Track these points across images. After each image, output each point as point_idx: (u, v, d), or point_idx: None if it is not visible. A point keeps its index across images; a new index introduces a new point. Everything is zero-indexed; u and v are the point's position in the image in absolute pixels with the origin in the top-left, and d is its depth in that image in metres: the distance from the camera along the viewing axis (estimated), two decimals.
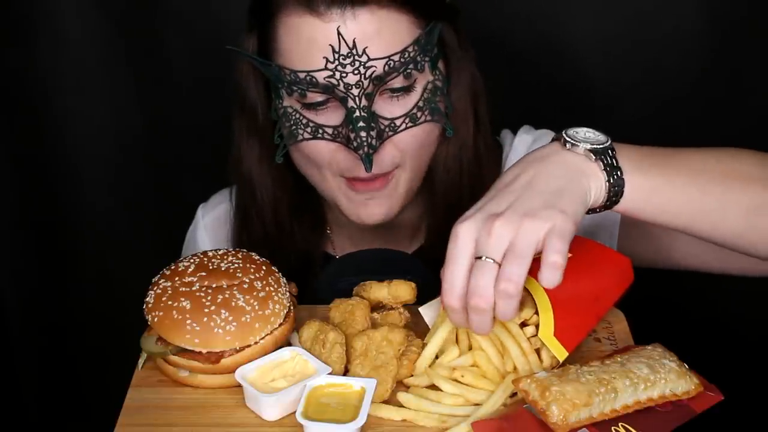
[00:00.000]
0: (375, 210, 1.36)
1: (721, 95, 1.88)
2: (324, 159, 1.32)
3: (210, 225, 1.60)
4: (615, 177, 1.04)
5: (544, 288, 1.09)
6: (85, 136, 2.03)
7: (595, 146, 1.05)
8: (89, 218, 2.10)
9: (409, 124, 1.30)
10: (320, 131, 1.30)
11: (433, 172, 1.40)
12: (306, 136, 1.31)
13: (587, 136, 1.07)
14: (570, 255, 1.16)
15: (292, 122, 1.31)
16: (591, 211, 1.07)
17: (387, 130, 1.29)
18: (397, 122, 1.29)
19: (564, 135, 1.07)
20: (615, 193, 1.05)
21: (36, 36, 1.93)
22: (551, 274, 0.97)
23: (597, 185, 1.04)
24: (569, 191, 1.01)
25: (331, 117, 1.30)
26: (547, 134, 1.50)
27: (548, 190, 1.01)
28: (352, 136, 1.26)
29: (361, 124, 1.26)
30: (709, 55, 1.86)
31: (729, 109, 1.88)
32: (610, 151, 1.05)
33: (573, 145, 1.05)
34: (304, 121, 1.30)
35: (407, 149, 1.32)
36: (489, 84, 1.42)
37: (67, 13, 1.92)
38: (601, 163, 1.04)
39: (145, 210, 2.10)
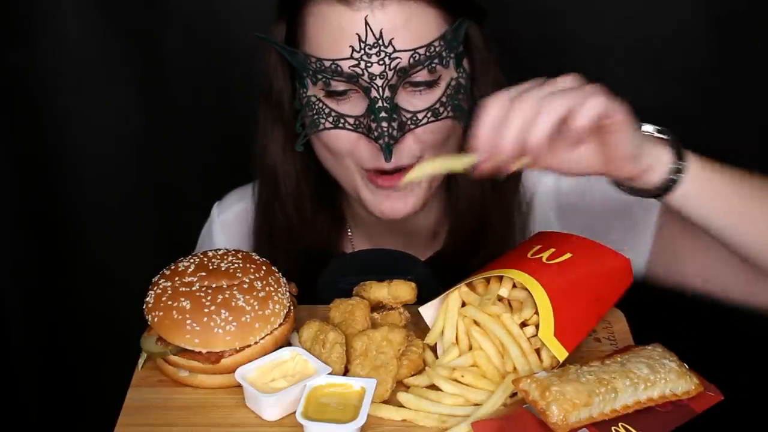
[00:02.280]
0: (397, 204, 1.34)
1: (721, 95, 1.88)
2: (344, 149, 1.32)
3: (227, 224, 1.60)
4: (679, 156, 1.10)
5: (544, 288, 1.09)
6: (85, 136, 2.03)
7: (661, 131, 1.13)
8: (89, 218, 2.10)
9: (431, 119, 1.29)
10: (342, 121, 1.30)
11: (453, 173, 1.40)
12: (327, 125, 1.31)
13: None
14: (570, 255, 1.16)
15: (314, 111, 1.31)
16: (644, 193, 1.13)
17: (409, 122, 1.29)
18: (419, 116, 1.29)
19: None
20: (675, 171, 1.10)
21: (36, 36, 1.93)
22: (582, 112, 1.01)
23: (660, 158, 1.10)
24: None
25: (353, 107, 1.30)
26: None
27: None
28: (374, 126, 1.26)
29: (383, 114, 1.26)
30: (709, 55, 1.86)
31: (729, 109, 1.88)
32: (679, 139, 1.12)
33: (641, 126, 1.12)
34: (327, 110, 1.30)
35: (428, 143, 1.32)
36: None
37: (67, 13, 1.92)
38: (669, 143, 1.11)
39: (145, 210, 2.10)
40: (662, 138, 1.12)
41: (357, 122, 1.29)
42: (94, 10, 1.92)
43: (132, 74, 1.98)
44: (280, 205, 1.44)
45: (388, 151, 1.26)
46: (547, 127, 1.01)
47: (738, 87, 1.88)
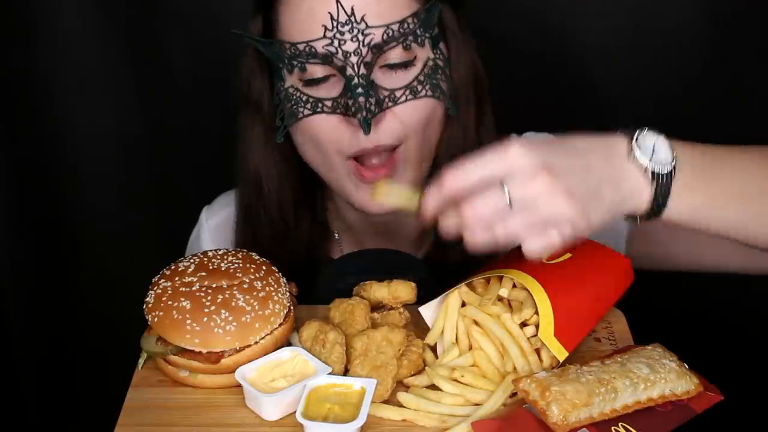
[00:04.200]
0: None
1: (721, 95, 1.88)
2: (325, 135, 1.32)
3: (215, 228, 1.60)
4: (662, 198, 1.05)
5: (544, 288, 1.09)
6: (85, 136, 2.04)
7: (656, 166, 1.04)
8: (89, 218, 2.10)
9: (410, 97, 1.30)
10: (319, 105, 1.30)
11: (437, 159, 1.39)
12: (306, 112, 1.31)
13: (657, 147, 1.05)
14: (570, 255, 1.16)
15: (293, 102, 1.31)
16: (629, 218, 1.07)
17: (387, 100, 1.29)
18: (397, 93, 1.29)
19: (634, 142, 1.05)
20: (658, 207, 1.05)
21: (36, 35, 1.93)
22: (535, 243, 1.00)
23: (643, 197, 1.05)
24: (609, 200, 1.03)
25: (330, 91, 1.30)
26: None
27: (594, 187, 1.01)
28: (350, 102, 1.27)
29: (359, 90, 1.26)
30: (709, 55, 1.86)
31: (729, 109, 1.88)
32: (666, 177, 1.05)
33: (637, 157, 1.04)
34: (305, 98, 1.30)
35: (410, 123, 1.31)
36: (490, 81, 1.41)
37: (67, 13, 1.92)
38: (655, 183, 1.04)
39: (146, 210, 2.10)
40: (652, 178, 1.05)
41: (335, 104, 1.29)
42: (94, 10, 1.92)
43: (132, 74, 1.99)
44: (264, 206, 1.44)
45: (366, 125, 1.26)
46: (504, 241, 1.01)
47: (738, 87, 1.88)
